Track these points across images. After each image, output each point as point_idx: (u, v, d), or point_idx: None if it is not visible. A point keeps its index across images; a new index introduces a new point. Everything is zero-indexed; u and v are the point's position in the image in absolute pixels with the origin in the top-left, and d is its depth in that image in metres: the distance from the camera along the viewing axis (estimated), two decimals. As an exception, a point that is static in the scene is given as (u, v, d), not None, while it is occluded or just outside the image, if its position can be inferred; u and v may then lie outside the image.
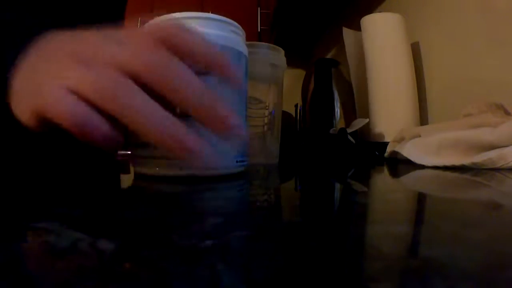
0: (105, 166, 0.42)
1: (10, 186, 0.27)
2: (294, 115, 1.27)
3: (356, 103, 0.93)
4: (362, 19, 0.85)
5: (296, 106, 1.42)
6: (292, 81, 1.55)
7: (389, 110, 0.77)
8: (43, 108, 0.19)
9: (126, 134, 0.20)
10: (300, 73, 1.54)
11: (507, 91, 0.57)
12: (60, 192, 0.24)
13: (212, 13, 0.34)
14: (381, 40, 0.80)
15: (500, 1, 0.61)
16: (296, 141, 1.10)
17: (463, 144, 0.43)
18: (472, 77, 0.67)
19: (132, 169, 0.37)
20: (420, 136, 0.52)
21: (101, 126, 0.18)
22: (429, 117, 0.80)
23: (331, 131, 0.78)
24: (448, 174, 0.37)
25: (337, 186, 0.31)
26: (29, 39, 0.21)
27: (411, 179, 0.36)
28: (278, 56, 0.55)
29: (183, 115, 0.19)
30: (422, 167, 0.44)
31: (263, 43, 0.55)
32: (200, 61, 0.20)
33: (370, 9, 1.08)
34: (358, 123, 0.76)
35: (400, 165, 0.50)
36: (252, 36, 1.88)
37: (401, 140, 0.58)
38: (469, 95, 0.67)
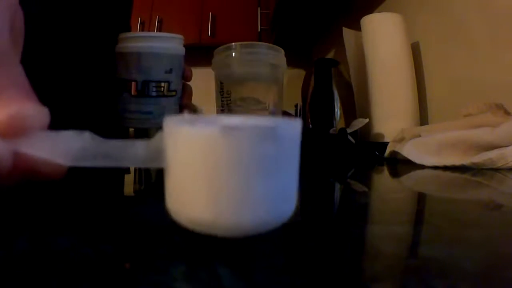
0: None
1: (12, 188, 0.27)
2: (294, 115, 1.27)
3: (356, 103, 0.93)
4: (362, 19, 0.85)
5: (296, 106, 1.42)
6: (292, 81, 1.55)
7: (389, 110, 0.77)
8: None
9: None
10: (300, 73, 1.54)
11: (507, 91, 0.57)
12: (64, 194, 0.24)
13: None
14: (381, 40, 0.80)
15: (500, 1, 0.61)
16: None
17: (463, 144, 0.43)
18: (472, 77, 0.67)
19: (132, 168, 0.37)
20: (420, 136, 0.52)
21: None
22: (429, 117, 0.80)
23: (331, 131, 0.78)
24: (448, 174, 0.37)
25: (337, 186, 0.31)
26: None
27: (411, 179, 0.36)
28: (278, 56, 0.55)
29: None
30: (422, 167, 0.44)
31: (263, 43, 0.55)
32: None
33: (370, 9, 1.08)
34: (358, 123, 0.76)
35: (400, 165, 0.50)
36: (252, 36, 1.88)
37: (401, 140, 0.58)
38: (469, 95, 0.67)
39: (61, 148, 0.13)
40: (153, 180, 0.37)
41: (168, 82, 0.41)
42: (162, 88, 0.40)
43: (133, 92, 0.40)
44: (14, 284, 0.09)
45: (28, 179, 0.14)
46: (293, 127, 0.12)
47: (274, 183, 0.12)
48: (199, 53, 1.90)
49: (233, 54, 0.53)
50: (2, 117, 0.13)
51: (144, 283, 0.09)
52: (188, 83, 0.45)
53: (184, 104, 0.44)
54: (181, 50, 0.42)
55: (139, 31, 1.76)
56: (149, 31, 1.83)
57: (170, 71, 0.40)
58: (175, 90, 0.41)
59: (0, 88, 0.14)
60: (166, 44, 0.41)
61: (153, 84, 0.40)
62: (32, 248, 0.12)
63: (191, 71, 0.45)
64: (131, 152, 0.13)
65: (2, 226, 0.15)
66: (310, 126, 0.92)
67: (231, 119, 0.12)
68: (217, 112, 0.56)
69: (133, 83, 0.40)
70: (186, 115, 0.12)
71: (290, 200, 0.13)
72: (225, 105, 0.53)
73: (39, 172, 0.14)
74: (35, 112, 0.14)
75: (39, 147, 0.13)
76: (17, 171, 0.13)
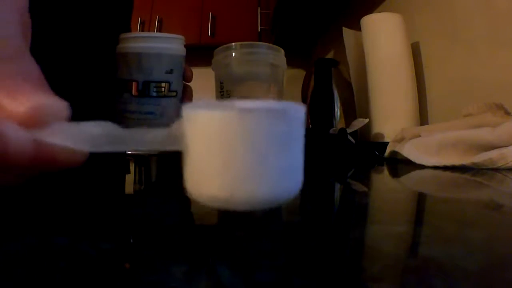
0: (113, 165, 0.42)
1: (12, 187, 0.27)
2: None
3: (356, 103, 0.93)
4: (362, 19, 0.85)
5: (296, 106, 1.41)
6: (292, 81, 1.55)
7: (389, 110, 0.77)
8: None
9: None
10: (300, 73, 1.54)
11: (507, 91, 0.57)
12: (64, 194, 0.24)
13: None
14: (381, 40, 0.80)
15: (501, 1, 0.61)
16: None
17: (463, 144, 0.43)
18: (473, 77, 0.67)
19: (132, 168, 0.37)
20: (420, 136, 0.52)
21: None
22: (429, 117, 0.80)
23: (331, 131, 0.78)
24: (448, 174, 0.37)
25: (337, 186, 0.31)
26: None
27: (411, 179, 0.36)
28: (278, 56, 0.55)
29: None
30: (422, 167, 0.44)
31: (263, 43, 0.55)
32: None
33: (370, 9, 1.08)
34: (358, 123, 0.76)
35: (400, 165, 0.50)
36: (252, 36, 1.88)
37: (401, 140, 0.58)
38: (469, 95, 0.67)
39: (81, 135, 0.14)
40: (153, 180, 0.37)
41: (169, 83, 0.41)
42: (163, 89, 0.40)
43: (133, 93, 0.40)
44: (14, 283, 0.09)
45: (47, 170, 0.14)
46: (300, 110, 0.14)
47: (285, 158, 0.13)
48: (199, 53, 1.90)
49: (233, 54, 0.53)
50: (24, 109, 0.14)
51: (144, 283, 0.09)
52: (189, 83, 0.45)
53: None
54: (182, 50, 0.42)
55: (139, 31, 1.76)
56: (149, 31, 1.83)
57: (171, 72, 0.40)
58: (175, 91, 0.41)
59: (17, 81, 0.15)
60: (167, 44, 0.41)
61: (154, 84, 0.40)
62: (32, 247, 0.12)
63: (192, 72, 0.45)
64: (151, 137, 0.14)
65: (2, 226, 0.15)
66: (310, 126, 0.92)
67: (244, 103, 0.13)
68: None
69: (133, 83, 0.40)
70: (201, 101, 0.14)
71: (299, 175, 0.14)
72: (225, 105, 0.53)
73: (58, 159, 0.14)
74: (56, 105, 0.15)
75: (59, 136, 0.14)
76: (37, 160, 0.14)
